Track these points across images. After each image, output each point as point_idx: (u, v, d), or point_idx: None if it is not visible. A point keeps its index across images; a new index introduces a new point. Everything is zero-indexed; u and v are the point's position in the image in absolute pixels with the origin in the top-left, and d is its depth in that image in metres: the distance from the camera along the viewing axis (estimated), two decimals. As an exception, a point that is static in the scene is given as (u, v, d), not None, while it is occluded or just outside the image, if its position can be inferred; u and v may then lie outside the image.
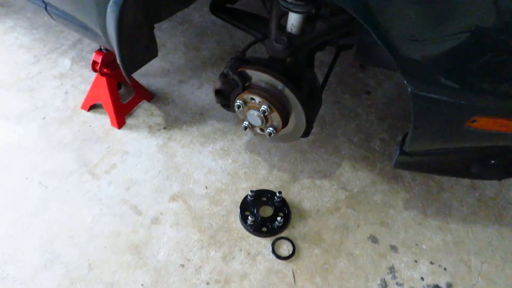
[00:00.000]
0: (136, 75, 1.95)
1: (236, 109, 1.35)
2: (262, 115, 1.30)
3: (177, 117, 1.90)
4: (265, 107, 1.27)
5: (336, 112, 1.98)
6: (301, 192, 1.69)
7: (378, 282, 1.48)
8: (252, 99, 1.29)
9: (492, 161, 1.25)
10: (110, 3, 1.11)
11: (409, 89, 0.92)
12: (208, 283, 1.42)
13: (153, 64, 2.10)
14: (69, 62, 2.06)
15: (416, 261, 1.54)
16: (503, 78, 0.86)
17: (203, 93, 1.99)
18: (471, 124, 0.94)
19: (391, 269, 1.51)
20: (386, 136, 1.89)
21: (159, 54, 2.14)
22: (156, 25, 2.26)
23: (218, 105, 1.82)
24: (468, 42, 0.83)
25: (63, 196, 1.59)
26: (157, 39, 2.22)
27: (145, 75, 2.04)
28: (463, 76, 0.88)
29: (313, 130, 1.88)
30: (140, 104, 1.92)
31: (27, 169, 1.65)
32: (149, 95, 1.93)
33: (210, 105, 1.95)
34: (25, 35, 2.16)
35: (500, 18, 0.80)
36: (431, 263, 1.54)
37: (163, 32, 2.27)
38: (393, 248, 1.56)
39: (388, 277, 1.49)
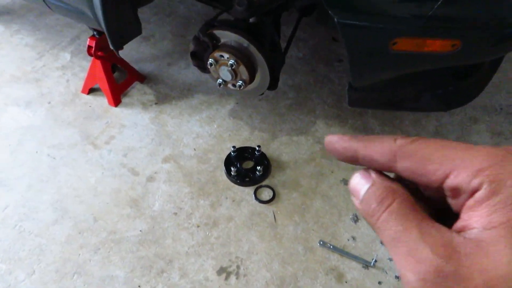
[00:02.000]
0: (129, 61, 2.17)
1: (209, 67, 1.56)
2: (231, 69, 1.50)
3: (167, 93, 2.11)
4: (232, 61, 1.47)
5: (311, 79, 2.18)
6: (280, 148, 1.88)
7: (350, 217, 1.65)
8: (222, 56, 1.50)
9: (438, 92, 1.43)
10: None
11: (335, 19, 1.11)
12: (198, 226, 1.62)
13: (144, 52, 2.33)
14: (68, 55, 2.30)
15: (385, 198, 1.71)
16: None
17: (189, 72, 2.21)
18: (394, 47, 1.13)
19: (362, 205, 1.68)
20: (357, 96, 2.08)
21: (149, 42, 2.38)
22: (145, 18, 2.50)
23: (204, 81, 2.04)
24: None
25: (69, 164, 1.81)
26: (147, 31, 2.46)
27: (137, 60, 2.26)
28: (375, 2, 1.07)
29: (290, 95, 2.09)
30: (133, 85, 2.14)
31: (37, 144, 1.88)
32: (141, 77, 2.15)
33: (197, 81, 2.16)
34: (30, 36, 2.42)
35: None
36: (399, 198, 1.71)
37: (152, 24, 2.50)
38: (364, 188, 1.74)
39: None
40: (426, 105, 1.47)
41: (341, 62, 2.27)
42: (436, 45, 1.11)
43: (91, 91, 2.09)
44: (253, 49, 1.47)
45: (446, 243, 0.27)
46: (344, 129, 1.95)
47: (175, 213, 1.65)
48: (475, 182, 0.28)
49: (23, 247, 1.55)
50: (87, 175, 1.77)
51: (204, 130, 1.95)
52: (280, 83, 2.12)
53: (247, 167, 1.78)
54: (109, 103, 2.04)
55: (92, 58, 1.94)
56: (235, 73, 1.52)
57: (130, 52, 2.30)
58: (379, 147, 0.33)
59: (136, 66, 2.21)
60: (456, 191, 0.29)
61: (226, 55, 1.48)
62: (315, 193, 1.72)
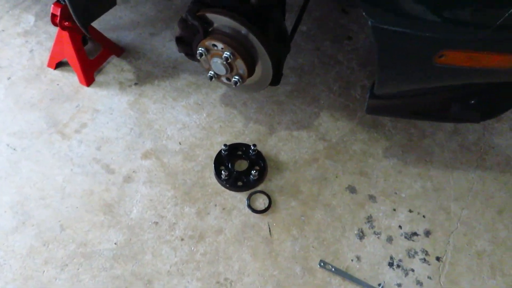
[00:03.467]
0: (103, 29, 1.85)
1: (199, 57, 1.27)
2: (225, 63, 1.22)
3: (149, 71, 1.81)
4: (228, 53, 1.19)
5: (315, 60, 1.90)
6: (278, 145, 1.64)
7: (355, 232, 1.46)
8: (215, 45, 1.21)
9: (471, 102, 1.19)
10: None
11: (370, 22, 0.84)
12: (182, 239, 1.41)
13: (122, 17, 1.99)
14: (33, 18, 1.95)
15: (394, 210, 1.51)
16: (470, 3, 0.78)
17: (175, 45, 1.89)
18: (439, 59, 0.87)
19: (369, 219, 1.49)
20: (367, 83, 1.82)
21: (128, 5, 2.04)
22: (123, -26, 2.12)
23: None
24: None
25: (33, 157, 1.55)
26: (125, -11, 2.09)
27: (114, 28, 1.93)
28: (428, 5, 0.80)
29: (291, 80, 1.82)
30: (109, 59, 1.83)
31: (-6, 131, 1.60)
32: (118, 50, 1.84)
33: (183, 58, 1.83)
34: (-15, -9, 2.04)
35: None
36: (410, 211, 1.51)
37: (132, -19, 2.13)
38: (372, 197, 1.54)
39: (366, 227, 1.47)
40: (456, 115, 1.23)
41: (351, 40, 1.97)
42: (494, 61, 0.86)
43: (59, 65, 1.78)
44: (253, 38, 1.19)
45: None
46: (352, 124, 1.71)
47: (156, 223, 1.44)
48: None
49: (-23, 260, 1.34)
50: (54, 172, 1.52)
51: (191, 120, 1.68)
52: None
53: (240, 169, 1.55)
54: (80, 81, 1.74)
55: (58, 28, 1.62)
56: (230, 67, 1.24)
57: (106, 16, 1.93)
58: None
59: (112, 35, 1.89)
60: None
61: (220, 45, 1.20)
62: (317, 202, 1.51)
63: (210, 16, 1.19)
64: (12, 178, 1.50)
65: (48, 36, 1.88)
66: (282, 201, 1.51)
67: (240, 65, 1.23)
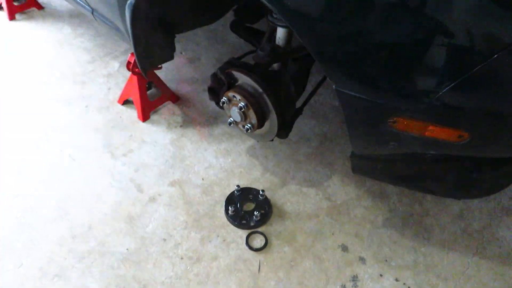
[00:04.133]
0: (168, 79, 2.26)
1: (222, 105, 1.56)
2: (240, 111, 1.49)
3: (194, 118, 2.15)
4: (243, 104, 1.46)
5: (339, 131, 2.11)
6: (286, 196, 1.82)
7: (338, 287, 1.54)
8: (234, 96, 1.50)
9: (449, 177, 1.30)
10: (127, 4, 1.40)
11: (334, 86, 1.05)
12: (182, 258, 1.60)
13: (185, 73, 2.40)
14: (118, 65, 2.44)
15: (381, 275, 1.58)
16: (411, 79, 0.97)
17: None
18: (393, 125, 1.05)
19: (354, 278, 1.57)
20: (381, 158, 1.97)
21: (193, 65, 2.45)
22: (195, 41, 2.58)
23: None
24: (373, 44, 0.96)
25: (84, 167, 1.89)
26: (195, 53, 2.53)
27: (176, 80, 2.34)
28: (375, 76, 1.00)
29: (313, 144, 2.03)
30: (165, 104, 2.21)
31: (62, 143, 1.99)
32: (174, 97, 2.22)
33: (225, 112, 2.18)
34: (90, 41, 2.60)
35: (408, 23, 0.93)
36: (396, 279, 1.57)
37: (201, 47, 2.58)
38: (361, 259, 1.62)
39: (349, 284, 1.55)
40: (435, 188, 1.34)
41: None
42: (439, 133, 1.02)
43: (126, 102, 2.19)
44: (265, 96, 1.46)
45: None
46: (359, 191, 1.85)
47: (164, 239, 1.65)
48: None
49: (19, 238, 1.64)
50: (96, 182, 1.84)
51: (217, 162, 1.95)
52: (306, 129, 2.09)
53: (247, 209, 1.74)
54: (138, 117, 2.12)
55: (130, 73, 2.04)
56: (244, 116, 1.51)
57: (173, 71, 2.38)
58: None
59: (173, 85, 2.28)
60: None
61: (238, 96, 1.48)
62: (308, 252, 1.63)
63: (235, 74, 1.50)
64: (64, 180, 1.84)
65: (124, 80, 2.33)
66: (277, 244, 1.65)
67: (252, 115, 1.50)
